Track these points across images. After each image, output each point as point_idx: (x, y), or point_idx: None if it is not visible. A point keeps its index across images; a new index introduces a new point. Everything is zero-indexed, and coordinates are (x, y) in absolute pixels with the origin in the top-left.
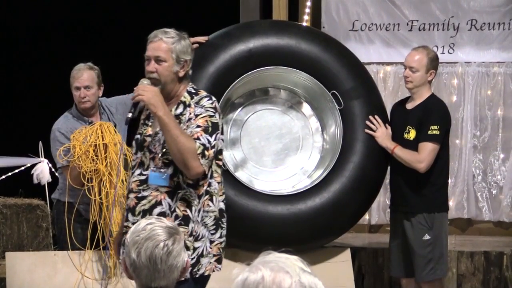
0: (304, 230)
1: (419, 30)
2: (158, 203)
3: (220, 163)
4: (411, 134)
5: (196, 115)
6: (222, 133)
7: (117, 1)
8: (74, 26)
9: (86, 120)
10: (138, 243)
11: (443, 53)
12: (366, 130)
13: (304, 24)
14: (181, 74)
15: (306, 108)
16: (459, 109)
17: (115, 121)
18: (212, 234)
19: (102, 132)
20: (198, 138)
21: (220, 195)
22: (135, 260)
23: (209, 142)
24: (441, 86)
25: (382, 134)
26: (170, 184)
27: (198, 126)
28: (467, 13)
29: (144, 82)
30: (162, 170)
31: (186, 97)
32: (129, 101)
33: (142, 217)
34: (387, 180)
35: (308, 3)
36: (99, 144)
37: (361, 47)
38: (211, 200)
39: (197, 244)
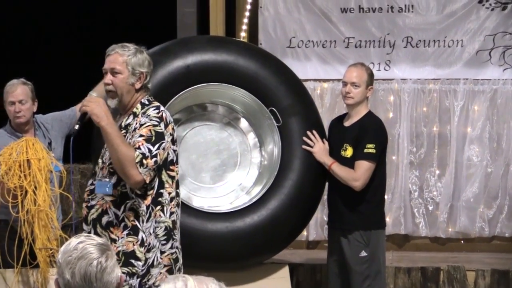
0: (242, 247)
1: (356, 47)
2: (105, 212)
3: (173, 173)
4: (348, 152)
5: (141, 125)
6: (174, 143)
7: (50, 19)
8: (6, 45)
9: (20, 136)
10: (71, 263)
11: (379, 70)
12: (304, 146)
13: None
14: (138, 86)
15: (244, 124)
16: (395, 126)
17: (51, 138)
18: (163, 244)
19: (26, 148)
20: (138, 148)
21: (174, 206)
22: (70, 281)
23: (149, 151)
24: (378, 103)
25: (320, 149)
26: (114, 193)
27: (141, 136)
28: (403, 30)
29: (92, 94)
30: (106, 179)
31: (137, 108)
32: (64, 117)
33: (93, 226)
34: (324, 196)
35: (245, 20)
36: (23, 160)
37: (298, 64)
38: (162, 210)
39: (148, 255)
